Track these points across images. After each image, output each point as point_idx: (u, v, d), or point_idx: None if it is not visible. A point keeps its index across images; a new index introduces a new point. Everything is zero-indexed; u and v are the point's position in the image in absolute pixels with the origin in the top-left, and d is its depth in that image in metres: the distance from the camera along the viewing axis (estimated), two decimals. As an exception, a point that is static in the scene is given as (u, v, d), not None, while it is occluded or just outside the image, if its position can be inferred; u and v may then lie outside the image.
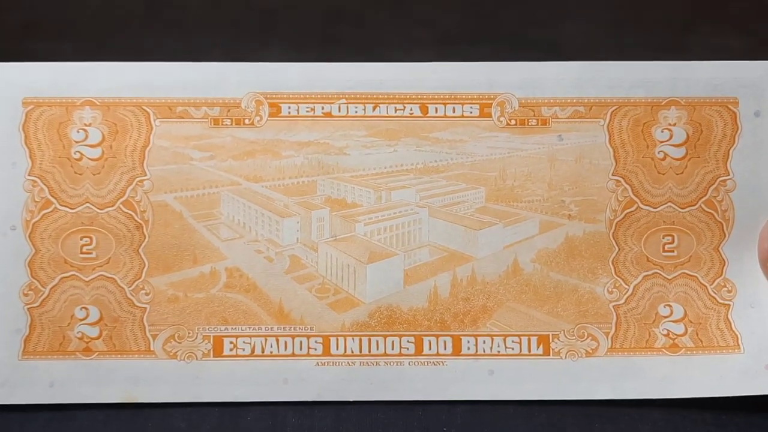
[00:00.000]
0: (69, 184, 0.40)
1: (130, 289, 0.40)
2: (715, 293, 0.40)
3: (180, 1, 0.53)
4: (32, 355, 0.39)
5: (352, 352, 0.40)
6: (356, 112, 0.40)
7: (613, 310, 0.40)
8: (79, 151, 0.40)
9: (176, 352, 0.40)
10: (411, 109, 0.41)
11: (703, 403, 0.39)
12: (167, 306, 0.40)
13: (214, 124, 0.40)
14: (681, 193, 0.40)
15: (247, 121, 0.41)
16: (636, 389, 0.40)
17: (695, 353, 0.40)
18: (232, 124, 0.41)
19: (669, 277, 0.41)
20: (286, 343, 0.40)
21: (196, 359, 0.40)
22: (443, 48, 0.52)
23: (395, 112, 0.40)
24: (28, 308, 0.40)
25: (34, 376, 0.39)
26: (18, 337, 0.39)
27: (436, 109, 0.41)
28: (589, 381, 0.40)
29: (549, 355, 0.40)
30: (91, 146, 0.40)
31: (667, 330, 0.40)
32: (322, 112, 0.41)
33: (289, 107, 0.41)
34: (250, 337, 0.40)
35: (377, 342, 0.40)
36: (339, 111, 0.41)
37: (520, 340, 0.40)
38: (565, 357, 0.40)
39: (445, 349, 0.40)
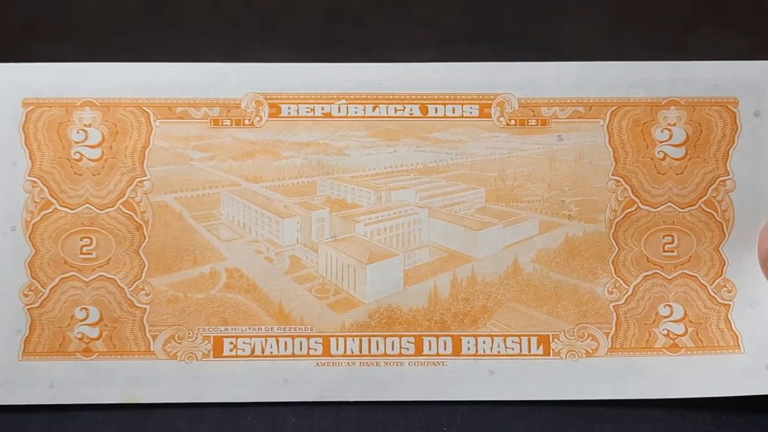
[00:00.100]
0: (69, 185, 0.40)
1: (130, 289, 0.40)
2: (715, 293, 0.40)
3: (180, 1, 0.53)
4: (32, 356, 0.39)
5: (352, 352, 0.40)
6: (356, 112, 0.40)
7: (613, 310, 0.40)
8: (79, 152, 0.40)
9: (176, 352, 0.40)
10: (411, 110, 0.41)
11: (703, 403, 0.39)
12: (167, 306, 0.40)
13: (214, 125, 0.40)
14: (681, 193, 0.40)
15: (247, 122, 0.41)
16: (636, 389, 0.40)
17: (695, 353, 0.40)
18: (232, 125, 0.40)
19: (669, 277, 0.41)
20: (286, 343, 0.40)
21: (196, 360, 0.40)
22: (443, 48, 0.52)
23: (395, 112, 0.40)
24: (28, 309, 0.40)
25: (34, 376, 0.39)
26: (18, 338, 0.39)
27: (436, 110, 0.41)
28: (589, 381, 0.40)
29: (549, 355, 0.40)
30: (91, 147, 0.40)
31: (667, 330, 0.40)
32: (322, 113, 0.41)
33: (289, 108, 0.41)
34: (250, 337, 0.40)
35: (377, 342, 0.40)
36: (339, 111, 0.41)
37: (520, 340, 0.40)
38: (566, 357, 0.40)
39: (445, 349, 0.40)
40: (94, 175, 0.40)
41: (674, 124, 0.40)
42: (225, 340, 0.40)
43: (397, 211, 0.42)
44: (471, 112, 0.41)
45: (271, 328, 0.40)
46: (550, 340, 0.40)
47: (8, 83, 0.40)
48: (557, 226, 0.41)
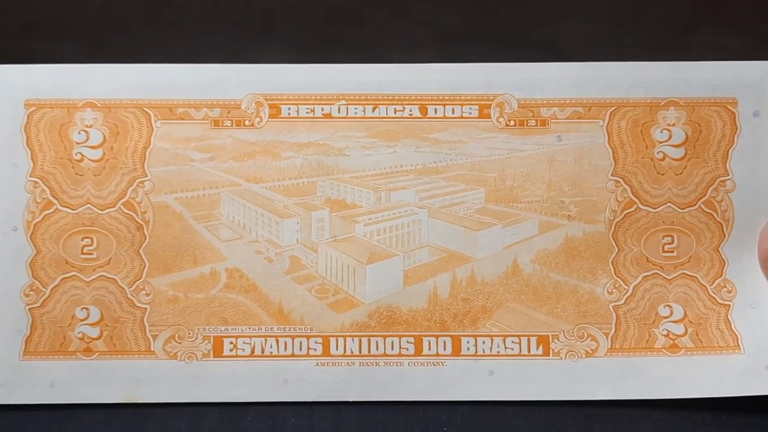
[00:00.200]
0: (70, 185, 0.40)
1: (131, 289, 0.40)
2: (715, 293, 0.40)
3: (180, 1, 0.53)
4: (33, 356, 0.40)
5: (352, 352, 0.40)
6: (356, 113, 0.41)
7: (612, 310, 0.40)
8: (80, 153, 0.40)
9: (176, 352, 0.40)
10: (410, 110, 0.41)
11: (703, 403, 0.39)
12: (167, 306, 0.40)
13: (215, 126, 0.41)
14: (680, 193, 0.40)
15: (247, 123, 0.41)
16: (636, 390, 0.40)
17: (695, 353, 0.40)
18: (232, 126, 0.41)
19: (669, 278, 0.41)
20: (285, 343, 0.40)
21: (196, 359, 0.40)
22: (443, 48, 0.52)
23: (395, 113, 0.41)
24: (29, 308, 0.40)
25: (34, 376, 0.39)
26: (19, 338, 0.40)
27: (436, 110, 0.41)
28: (588, 381, 0.40)
29: (549, 355, 0.40)
30: (92, 147, 0.40)
31: (667, 330, 0.40)
32: (322, 114, 0.41)
33: (289, 108, 0.41)
34: (250, 337, 0.40)
35: (377, 342, 0.40)
36: (339, 112, 0.41)
37: (520, 340, 0.40)
38: (565, 357, 0.40)
39: (444, 349, 0.40)
40: (95, 175, 0.40)
41: (673, 125, 0.40)
42: (225, 340, 0.40)
43: (397, 212, 0.42)
44: (470, 113, 0.41)
45: (271, 328, 0.40)
46: (550, 341, 0.40)
47: (10, 84, 0.40)
48: (557, 226, 0.41)
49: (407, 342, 0.40)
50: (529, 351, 0.40)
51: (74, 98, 0.40)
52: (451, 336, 0.40)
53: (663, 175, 0.41)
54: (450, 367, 0.40)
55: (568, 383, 0.40)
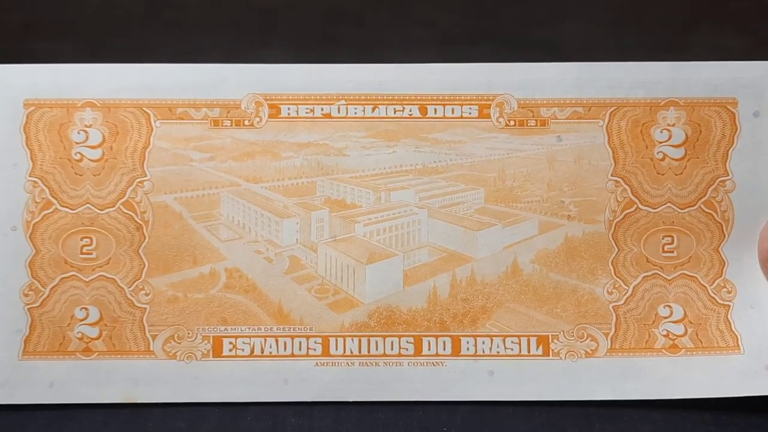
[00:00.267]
0: (69, 185, 0.40)
1: (130, 289, 0.40)
2: (714, 294, 0.40)
3: (180, 1, 0.53)
4: (32, 356, 0.40)
5: (352, 352, 0.40)
6: (356, 113, 0.41)
7: (612, 310, 0.40)
8: (79, 152, 0.40)
9: (176, 352, 0.40)
10: (410, 110, 0.41)
11: (703, 403, 0.39)
12: (167, 306, 0.40)
13: (214, 126, 0.41)
14: (680, 193, 0.40)
15: (246, 123, 0.41)
16: (636, 390, 0.40)
17: (695, 354, 0.40)
18: (231, 126, 0.41)
19: (669, 278, 0.41)
20: (285, 343, 0.40)
21: (196, 359, 0.40)
22: (443, 48, 0.52)
23: (394, 113, 0.41)
24: (28, 308, 0.40)
25: (34, 376, 0.39)
26: (18, 338, 0.40)
27: (435, 110, 0.41)
28: (588, 381, 0.40)
29: (548, 355, 0.40)
30: (92, 147, 0.40)
31: (667, 330, 0.40)
32: (322, 114, 0.41)
33: (289, 108, 0.41)
34: (250, 337, 0.40)
35: (376, 342, 0.40)
36: (338, 112, 0.41)
37: (520, 340, 0.40)
38: (565, 357, 0.40)
39: (444, 349, 0.40)
40: (94, 175, 0.40)
41: (673, 125, 0.40)
42: (224, 340, 0.40)
43: (397, 212, 0.42)
44: (470, 113, 0.41)
45: (271, 328, 0.40)
46: (550, 341, 0.40)
47: (9, 84, 0.40)
48: (557, 226, 0.41)
49: (407, 342, 0.40)
50: (528, 351, 0.40)
51: (73, 98, 0.40)
52: (450, 336, 0.40)
53: (663, 175, 0.40)
54: (450, 367, 0.40)
55: (567, 383, 0.40)
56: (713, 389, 0.39)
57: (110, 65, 0.40)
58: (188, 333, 0.40)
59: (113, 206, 0.40)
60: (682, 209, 0.40)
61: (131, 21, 0.53)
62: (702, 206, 0.40)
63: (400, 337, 0.40)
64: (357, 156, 0.41)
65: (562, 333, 0.40)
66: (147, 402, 0.39)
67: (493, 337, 0.40)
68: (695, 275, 0.40)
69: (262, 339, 0.40)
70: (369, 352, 0.40)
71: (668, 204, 0.41)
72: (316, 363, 0.40)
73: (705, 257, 0.40)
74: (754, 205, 0.40)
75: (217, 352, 0.40)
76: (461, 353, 0.40)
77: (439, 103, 0.40)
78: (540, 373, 0.40)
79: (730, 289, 0.40)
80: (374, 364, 0.40)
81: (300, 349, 0.40)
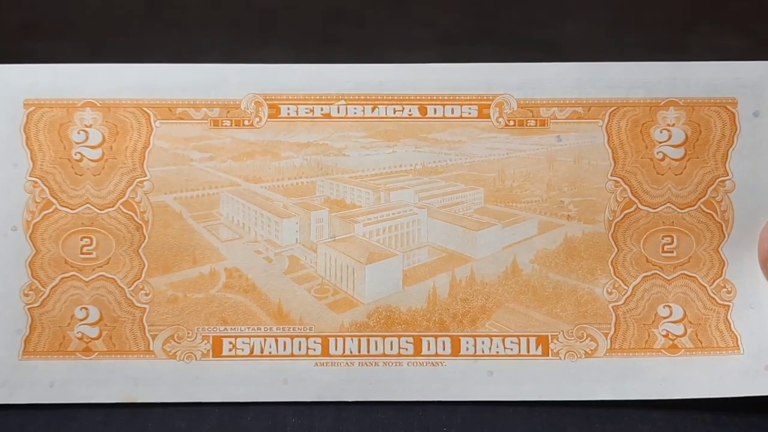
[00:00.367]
0: (69, 185, 0.40)
1: (130, 289, 0.40)
2: (714, 294, 0.40)
3: (180, 1, 0.53)
4: (32, 355, 0.40)
5: (351, 352, 0.40)
6: (355, 113, 0.41)
7: (612, 310, 0.40)
8: (79, 152, 0.40)
9: (175, 352, 0.40)
10: (410, 110, 0.41)
11: (703, 403, 0.39)
12: (167, 306, 0.40)
13: (214, 126, 0.41)
14: (680, 193, 0.40)
15: (246, 123, 0.41)
16: (635, 390, 0.40)
17: (695, 354, 0.40)
18: (231, 126, 0.41)
19: (668, 278, 0.41)
20: (285, 343, 0.40)
21: (196, 359, 0.40)
22: (443, 48, 0.52)
23: (394, 113, 0.41)
24: (28, 308, 0.40)
25: (34, 376, 0.39)
26: (18, 337, 0.40)
27: (435, 110, 0.41)
28: (588, 382, 0.40)
29: (548, 355, 0.40)
30: (92, 147, 0.40)
31: (667, 331, 0.40)
32: (322, 114, 0.41)
33: (289, 108, 0.41)
34: (249, 337, 0.40)
35: (376, 342, 0.40)
36: (338, 112, 0.41)
37: (519, 340, 0.40)
38: (564, 358, 0.40)
39: (444, 349, 0.40)
40: (94, 175, 0.40)
41: (673, 125, 0.40)
42: (224, 339, 0.40)
43: (396, 212, 0.42)
44: (470, 113, 0.41)
45: (270, 328, 0.40)
46: (549, 341, 0.40)
47: (9, 84, 0.40)
48: (556, 226, 0.41)
49: (406, 342, 0.40)
50: (528, 351, 0.40)
51: (73, 98, 0.40)
52: (450, 336, 0.40)
53: (662, 175, 0.40)
54: (449, 367, 0.40)
55: (567, 383, 0.40)
56: (713, 389, 0.39)
57: (110, 65, 0.40)
58: (188, 333, 0.40)
59: (113, 206, 0.40)
60: (681, 209, 0.40)
61: (131, 21, 0.53)
62: (702, 206, 0.40)
63: (399, 337, 0.40)
64: (357, 156, 0.41)
65: (561, 333, 0.40)
66: (147, 402, 0.39)
67: (493, 337, 0.40)
68: (695, 275, 0.40)
69: (262, 339, 0.40)
70: (368, 352, 0.40)
71: (668, 204, 0.41)
72: (316, 363, 0.40)
73: (705, 257, 0.40)
74: (754, 205, 0.40)
75: (216, 352, 0.40)
76: (461, 353, 0.40)
77: (438, 103, 0.40)
78: (539, 373, 0.40)
79: (729, 290, 0.40)
80: (374, 364, 0.40)
81: (299, 349, 0.40)
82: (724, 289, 0.40)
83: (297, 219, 0.41)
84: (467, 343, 0.40)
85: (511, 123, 0.41)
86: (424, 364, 0.40)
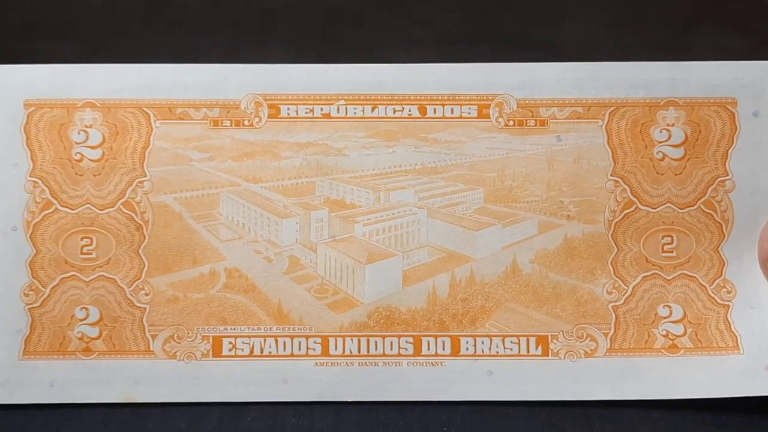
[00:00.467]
0: (70, 185, 0.40)
1: (130, 289, 0.40)
2: (714, 294, 0.40)
3: (180, 1, 0.53)
4: (32, 355, 0.40)
5: (351, 352, 0.40)
6: (355, 113, 0.41)
7: (612, 310, 0.40)
8: (79, 153, 0.40)
9: (175, 352, 0.40)
10: (409, 110, 0.41)
11: (703, 403, 0.39)
12: (167, 306, 0.40)
13: (214, 126, 0.41)
14: (680, 193, 0.40)
15: (246, 123, 0.41)
16: (635, 390, 0.40)
17: (694, 354, 0.40)
18: (231, 126, 0.41)
19: (668, 278, 0.41)
20: (285, 343, 0.40)
21: (196, 359, 0.40)
22: (443, 48, 0.52)
23: (394, 113, 0.41)
24: (28, 308, 0.40)
25: (34, 376, 0.39)
26: (18, 337, 0.40)
27: (435, 110, 0.41)
28: (588, 382, 0.40)
29: (548, 355, 0.40)
30: (92, 147, 0.40)
31: (667, 331, 0.40)
32: (321, 114, 0.41)
33: (288, 108, 0.41)
34: (249, 337, 0.40)
35: (376, 342, 0.40)
36: (338, 112, 0.41)
37: (519, 340, 0.40)
38: (564, 357, 0.40)
39: (443, 349, 0.40)
40: (94, 175, 0.40)
41: (673, 125, 0.40)
42: (224, 339, 0.40)
43: (396, 212, 0.42)
44: (469, 113, 0.41)
45: (270, 328, 0.40)
46: (549, 341, 0.40)
47: (10, 85, 0.40)
48: (556, 226, 0.41)
49: (406, 342, 0.40)
50: (528, 351, 0.40)
51: (73, 98, 0.40)
52: (450, 336, 0.40)
53: (662, 175, 0.40)
54: (449, 367, 0.40)
55: (567, 383, 0.40)
56: (713, 389, 0.39)
57: (110, 65, 0.40)
58: (188, 333, 0.40)
59: (113, 206, 0.40)
60: (681, 209, 0.40)
61: (131, 21, 0.53)
62: (702, 206, 0.40)
63: (399, 337, 0.40)
64: (356, 156, 0.41)
65: (561, 333, 0.40)
66: (147, 402, 0.39)
67: (493, 337, 0.40)
68: (695, 275, 0.40)
69: (262, 339, 0.40)
70: (368, 352, 0.40)
71: (668, 204, 0.41)
72: (316, 363, 0.40)
73: (705, 257, 0.40)
74: (753, 205, 0.40)
75: (216, 352, 0.40)
76: (460, 353, 0.40)
77: (438, 103, 0.40)
78: (539, 373, 0.40)
79: (729, 289, 0.40)
80: (374, 364, 0.40)
81: (299, 349, 0.40)
82: (724, 289, 0.40)
83: (297, 219, 0.41)
84: (467, 343, 0.40)
85: (511, 123, 0.41)
86: (424, 364, 0.40)
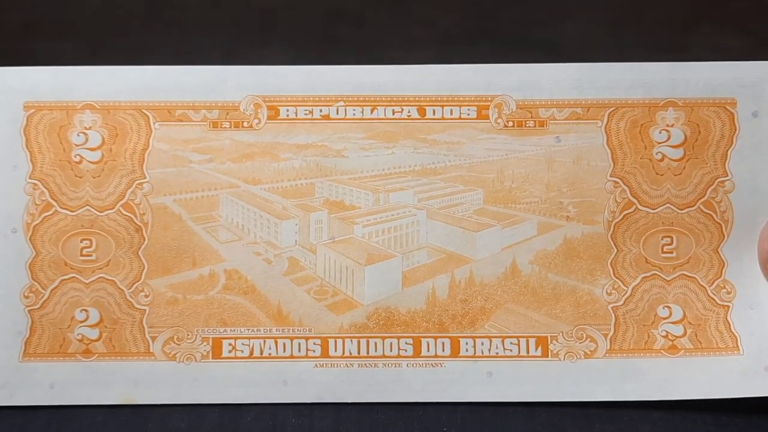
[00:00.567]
0: (69, 187, 0.40)
1: (130, 291, 0.40)
2: (714, 294, 0.40)
3: (180, 2, 0.53)
4: (33, 357, 0.40)
5: (351, 353, 0.40)
6: (354, 114, 0.41)
7: (611, 311, 0.40)
8: (79, 155, 0.40)
9: (175, 353, 0.40)
10: (409, 112, 0.41)
11: (703, 404, 0.39)
12: (166, 308, 0.40)
13: (213, 127, 0.41)
14: (679, 194, 0.40)
15: (245, 124, 0.41)
16: (635, 391, 0.40)
17: (694, 355, 0.40)
18: (230, 127, 0.41)
19: (668, 279, 0.40)
20: (284, 344, 0.40)
21: (195, 361, 0.40)
22: (443, 48, 0.52)
23: (393, 114, 0.41)
24: (28, 310, 0.40)
25: (34, 377, 0.39)
26: (18, 339, 0.40)
27: (434, 111, 0.41)
28: (587, 382, 0.40)
29: (547, 356, 0.40)
30: (91, 149, 0.40)
31: (666, 331, 0.40)
32: (321, 115, 0.41)
33: (288, 110, 0.41)
34: (249, 338, 0.40)
35: (375, 344, 0.40)
36: (337, 113, 0.41)
37: (519, 341, 0.40)
38: (564, 358, 0.40)
39: (443, 350, 0.40)
40: (94, 177, 0.40)
41: (672, 125, 0.40)
42: (224, 341, 0.40)
43: (395, 213, 0.42)
44: (469, 114, 0.41)
45: (270, 330, 0.40)
46: (549, 342, 0.40)
47: (9, 87, 0.40)
48: (555, 227, 0.41)
49: (406, 343, 0.40)
50: (527, 352, 0.40)
51: (73, 100, 0.40)
52: (449, 337, 0.40)
53: (662, 175, 0.40)
54: (449, 368, 0.40)
55: (566, 384, 0.40)
56: (712, 390, 0.39)
57: (109, 67, 0.40)
58: (188, 334, 0.40)
59: (113, 208, 0.40)
60: (681, 210, 0.40)
61: (131, 21, 0.53)
62: (701, 207, 0.40)
63: (399, 338, 0.40)
64: (356, 157, 0.41)
65: (561, 334, 0.40)
66: (147, 403, 0.39)
67: (492, 338, 0.40)
68: (694, 276, 0.40)
69: (262, 340, 0.40)
70: (368, 353, 0.40)
71: (667, 204, 0.40)
72: (316, 364, 0.40)
73: (704, 258, 0.40)
74: (753, 205, 0.40)
75: (216, 353, 0.40)
76: (460, 354, 0.40)
77: (437, 104, 0.40)
78: (539, 374, 0.40)
79: (729, 290, 0.40)
80: (373, 365, 0.40)
81: (299, 351, 0.40)
82: (724, 290, 0.40)
83: (296, 220, 0.41)
84: (467, 344, 0.40)
85: (510, 124, 0.41)
86: (424, 365, 0.40)
